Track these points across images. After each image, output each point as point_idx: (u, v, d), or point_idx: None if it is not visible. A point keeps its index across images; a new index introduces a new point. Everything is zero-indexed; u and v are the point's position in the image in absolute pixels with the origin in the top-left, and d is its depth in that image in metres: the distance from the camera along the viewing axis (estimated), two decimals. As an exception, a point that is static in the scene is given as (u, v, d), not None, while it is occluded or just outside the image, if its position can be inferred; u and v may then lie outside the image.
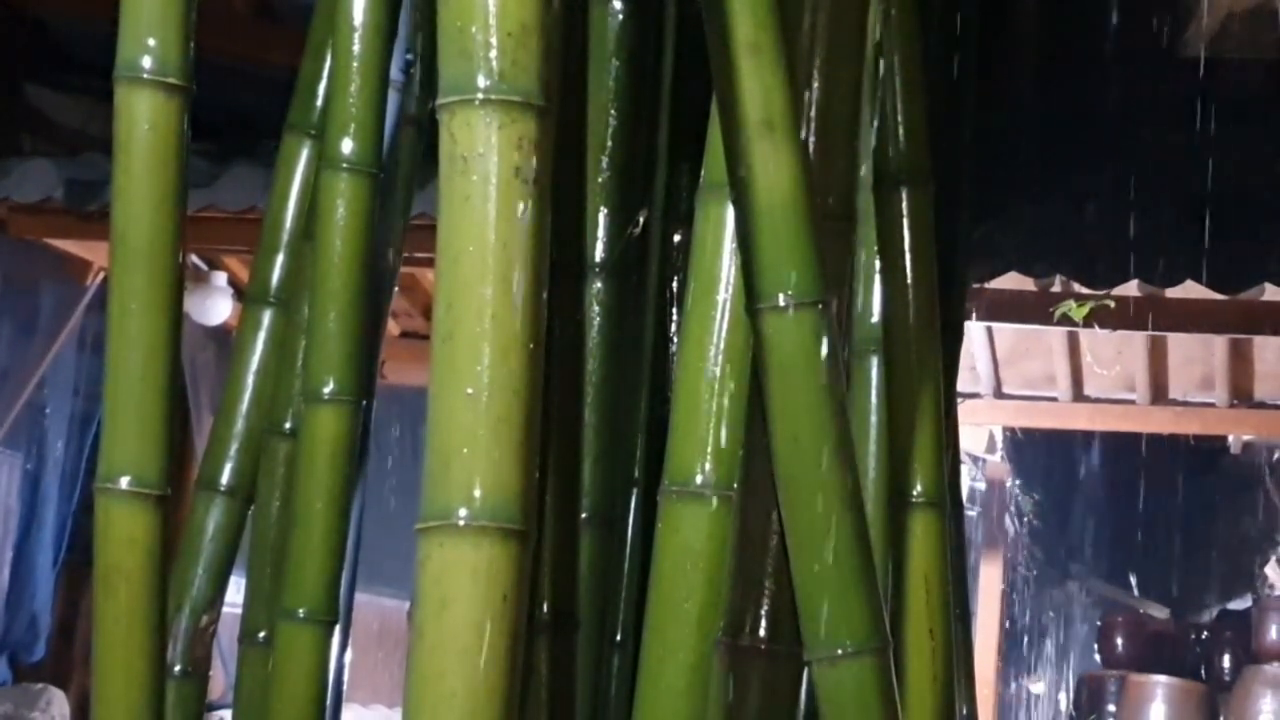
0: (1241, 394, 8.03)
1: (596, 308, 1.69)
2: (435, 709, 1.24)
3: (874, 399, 1.75)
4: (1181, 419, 8.24)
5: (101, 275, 6.53)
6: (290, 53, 1.99)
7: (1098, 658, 10.67)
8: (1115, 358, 7.84)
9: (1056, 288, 6.34)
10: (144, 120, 1.48)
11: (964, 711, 1.84)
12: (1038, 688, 12.75)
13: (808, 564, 1.45)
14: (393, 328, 7.34)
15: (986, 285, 5.97)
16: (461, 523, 1.25)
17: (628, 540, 1.70)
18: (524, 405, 1.27)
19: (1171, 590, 12.25)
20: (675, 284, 1.75)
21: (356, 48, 1.72)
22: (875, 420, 1.75)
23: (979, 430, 9.09)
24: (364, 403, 1.75)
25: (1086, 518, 12.87)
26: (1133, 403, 8.19)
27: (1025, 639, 12.42)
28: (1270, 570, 11.11)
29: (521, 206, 1.28)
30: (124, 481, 1.49)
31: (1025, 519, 11.66)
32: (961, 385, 3.47)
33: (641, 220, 1.73)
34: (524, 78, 1.28)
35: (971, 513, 9.50)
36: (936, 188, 1.79)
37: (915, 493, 1.74)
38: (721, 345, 1.53)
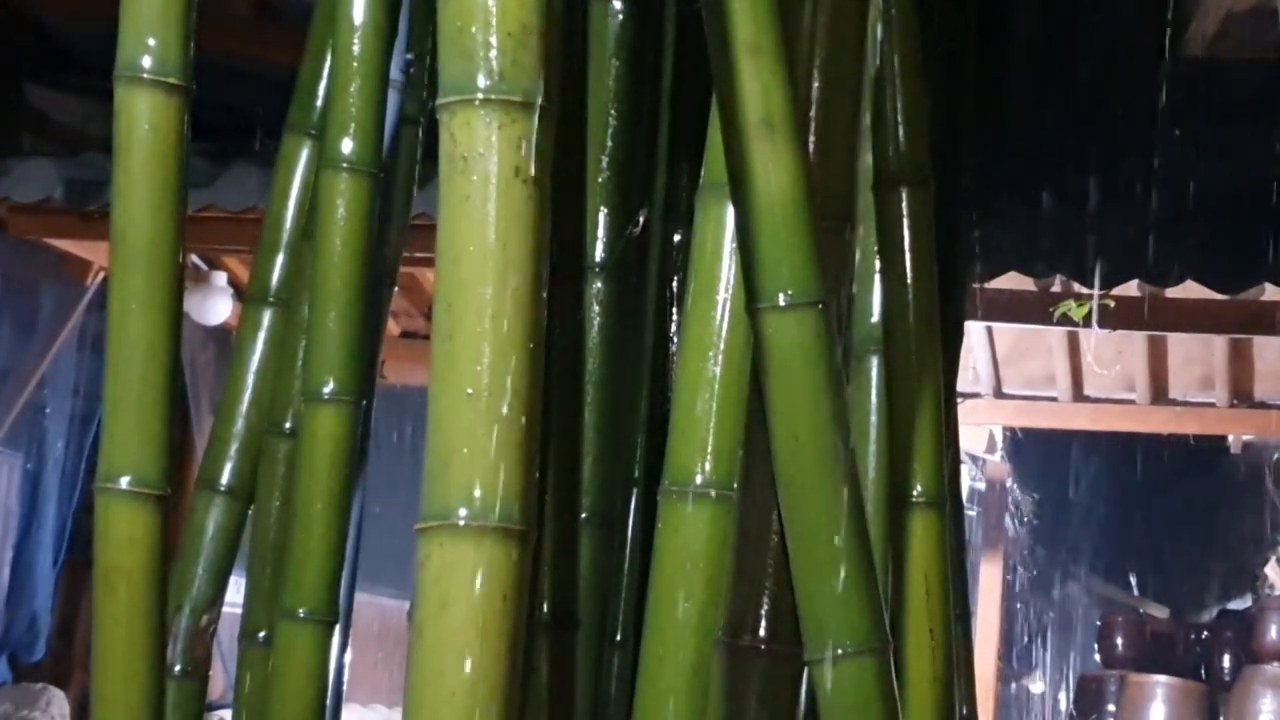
0: (1241, 394, 8.04)
1: (596, 308, 1.69)
2: (435, 709, 1.24)
3: (874, 399, 1.75)
4: (1181, 419, 8.24)
5: (101, 275, 6.53)
6: (290, 53, 1.99)
7: (1098, 658, 10.67)
8: (1115, 358, 7.85)
9: (1056, 288, 6.34)
10: (144, 120, 1.48)
11: (964, 711, 1.84)
12: (1038, 688, 12.75)
13: (808, 564, 1.45)
14: (393, 328, 7.35)
15: (986, 285, 5.98)
16: (461, 523, 1.25)
17: (628, 540, 1.70)
18: (524, 405, 1.27)
19: (1171, 590, 12.25)
20: (675, 284, 1.75)
21: (356, 48, 1.72)
22: (875, 420, 1.75)
23: (979, 430, 9.10)
24: (364, 403, 1.75)
25: (1086, 517, 12.88)
26: (1133, 403, 8.20)
27: (1025, 639, 12.42)
28: (1270, 570, 11.11)
29: (521, 206, 1.28)
30: (124, 481, 1.49)
31: (1025, 519, 11.67)
32: (961, 385, 3.47)
33: (641, 220, 1.73)
34: (524, 78, 1.28)
35: (971, 513, 9.50)
36: (936, 188, 1.79)
37: (915, 493, 1.74)
38: (721, 345, 1.53)
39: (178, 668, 1.80)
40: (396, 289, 1.92)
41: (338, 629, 1.75)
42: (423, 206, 1.76)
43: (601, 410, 1.67)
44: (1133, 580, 12.72)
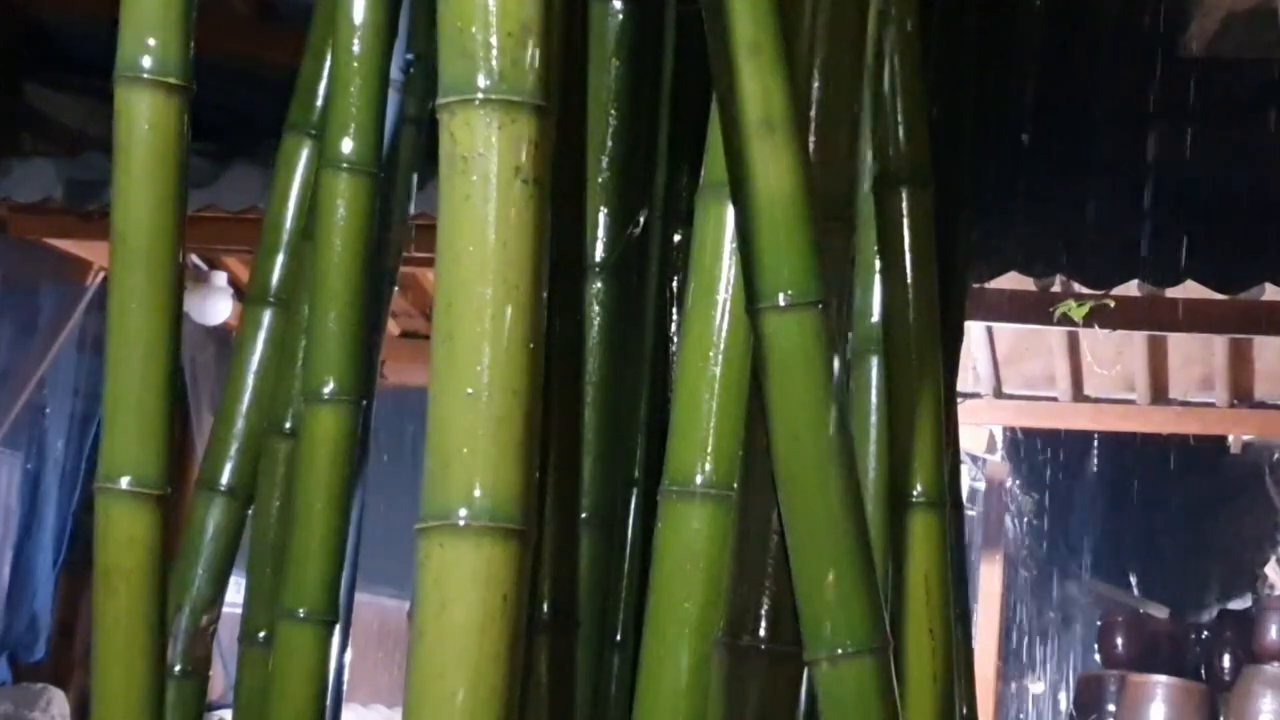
0: (1241, 394, 8.03)
1: (596, 308, 1.69)
2: (435, 709, 1.24)
3: (874, 399, 1.75)
4: (1181, 419, 8.24)
5: (101, 275, 6.53)
6: (290, 53, 1.99)
7: (1098, 658, 10.67)
8: (1115, 358, 7.85)
9: (1056, 288, 6.34)
10: (144, 120, 1.48)
11: (964, 711, 1.84)
12: (1038, 688, 12.75)
13: (808, 564, 1.45)
14: (393, 328, 7.34)
15: (986, 285, 5.97)
16: (461, 523, 1.25)
17: (628, 540, 1.70)
18: (524, 405, 1.27)
19: (1171, 590, 12.25)
20: (675, 284, 1.75)
21: (356, 48, 1.72)
22: (875, 420, 1.75)
23: (979, 430, 9.10)
24: (364, 403, 1.75)
25: (1086, 517, 12.88)
26: (1133, 403, 8.20)
27: (1025, 639, 12.42)
28: (1270, 570, 11.11)
29: (521, 206, 1.28)
30: (124, 481, 1.49)
31: (1025, 519, 11.67)
32: (961, 385, 3.47)
33: (641, 220, 1.73)
34: (524, 78, 1.28)
35: (971, 513, 9.50)
36: (936, 188, 1.79)
37: (915, 493, 1.74)
38: (721, 345, 1.53)
39: (178, 668, 1.80)
40: (396, 289, 1.92)
41: (338, 629, 1.75)
42: (423, 206, 1.76)
43: (601, 410, 1.67)
44: (1133, 580, 12.72)
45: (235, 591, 1.82)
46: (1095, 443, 11.30)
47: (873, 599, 1.46)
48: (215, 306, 6.93)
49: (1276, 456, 11.22)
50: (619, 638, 1.68)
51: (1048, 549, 12.61)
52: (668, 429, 1.57)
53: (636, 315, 1.73)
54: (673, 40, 1.76)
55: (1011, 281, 6.02)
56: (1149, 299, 6.43)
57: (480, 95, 1.28)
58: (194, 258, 6.81)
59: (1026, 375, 8.28)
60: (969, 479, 9.66)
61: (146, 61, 1.47)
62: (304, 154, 1.86)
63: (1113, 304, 6.39)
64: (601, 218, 1.71)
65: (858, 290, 1.74)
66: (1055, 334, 7.44)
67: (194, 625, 1.83)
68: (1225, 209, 5.66)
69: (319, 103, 1.83)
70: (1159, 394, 8.11)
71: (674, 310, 1.75)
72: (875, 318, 1.77)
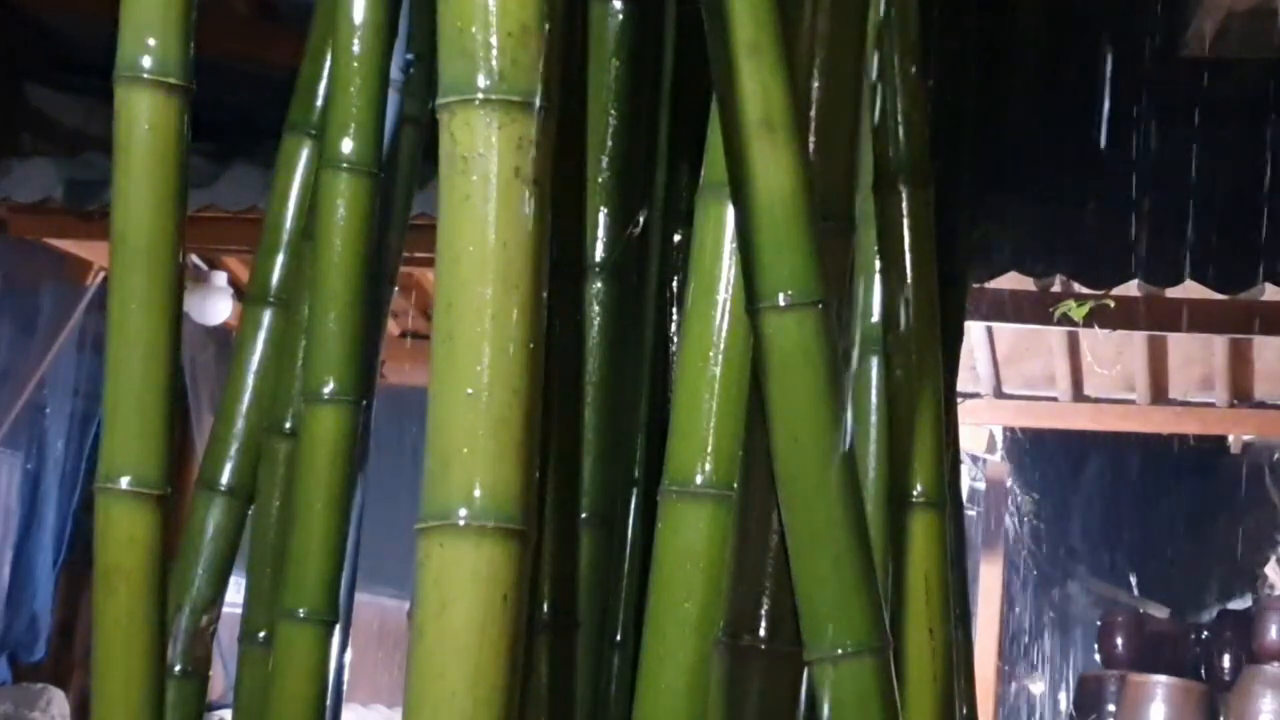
0: (1241, 394, 8.04)
1: (596, 308, 1.69)
2: (435, 709, 1.24)
3: (874, 399, 1.75)
4: (1181, 419, 8.25)
5: (101, 275, 6.53)
6: (290, 53, 1.99)
7: (1098, 658, 10.68)
8: (1115, 358, 7.85)
9: (1056, 288, 6.34)
10: (144, 120, 1.48)
11: (964, 711, 1.84)
12: (1038, 688, 12.75)
13: (808, 564, 1.45)
14: (393, 328, 7.35)
15: (986, 285, 5.98)
16: (461, 523, 1.25)
17: (628, 540, 1.70)
18: (524, 405, 1.27)
19: (1171, 590, 12.26)
20: (675, 284, 1.75)
21: (356, 48, 1.72)
22: (875, 420, 1.75)
23: (979, 430, 9.11)
24: (364, 403, 1.75)
25: (1086, 517, 12.88)
26: (1133, 403, 8.20)
27: (1025, 639, 12.43)
28: (1270, 570, 11.12)
29: (521, 206, 1.28)
30: (124, 481, 1.49)
31: (1025, 519, 11.67)
32: (961, 385, 3.47)
33: (641, 220, 1.73)
34: (524, 78, 1.28)
35: (971, 513, 9.50)
36: (936, 188, 1.79)
37: (915, 493, 1.74)
38: (721, 345, 1.53)
39: (178, 668, 1.80)
40: (396, 289, 1.92)
41: (338, 629, 1.75)
42: (423, 206, 1.76)
43: (601, 410, 1.67)
44: (1133, 580, 12.73)
45: (235, 591, 1.81)
46: (1095, 443, 11.30)
47: (873, 599, 1.46)
48: (215, 306, 6.94)
49: (1276, 456, 11.22)
50: (619, 638, 1.68)
51: (1048, 549, 12.62)
52: (668, 429, 1.57)
53: (636, 315, 1.73)
54: (673, 40, 1.76)
55: (1011, 281, 6.03)
56: (1149, 299, 6.43)
57: (480, 95, 1.28)
58: (194, 258, 6.81)
59: (1026, 375, 8.29)
60: (969, 479, 9.67)
61: (146, 61, 1.47)
62: (304, 154, 1.86)
63: (1113, 304, 6.40)
64: (601, 218, 1.70)
65: (858, 290, 1.74)
66: (1055, 334, 7.45)
67: (194, 625, 1.83)
68: (1225, 209, 5.66)
69: (319, 103, 1.83)
70: (1159, 394, 8.12)
71: (674, 310, 1.75)
72: (875, 318, 1.77)
